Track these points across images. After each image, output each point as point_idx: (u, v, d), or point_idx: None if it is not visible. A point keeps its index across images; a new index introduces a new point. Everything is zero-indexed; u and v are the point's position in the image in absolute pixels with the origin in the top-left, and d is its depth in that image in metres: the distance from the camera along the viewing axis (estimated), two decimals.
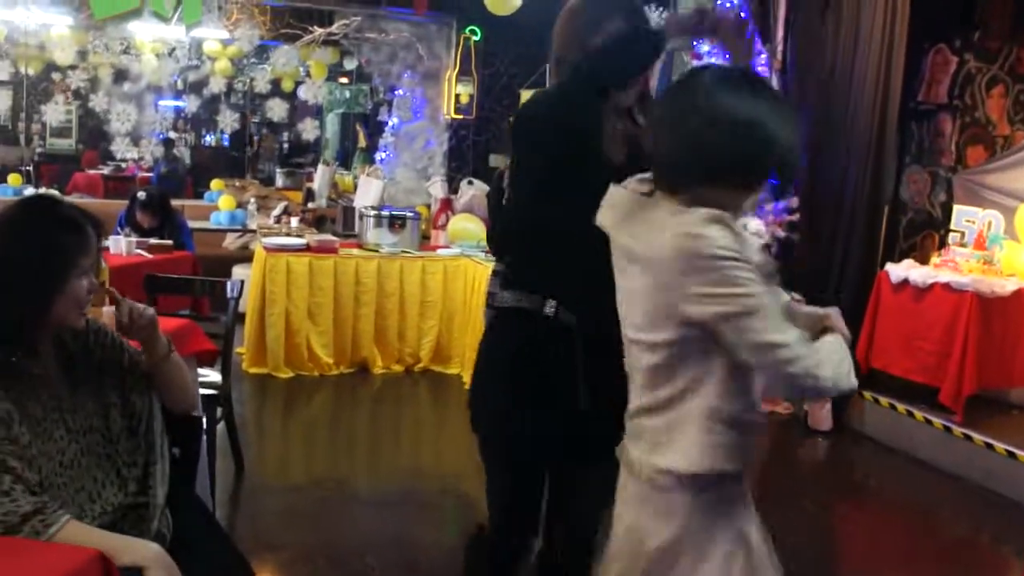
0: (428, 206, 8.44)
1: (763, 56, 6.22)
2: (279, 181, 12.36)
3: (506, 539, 2.49)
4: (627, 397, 1.87)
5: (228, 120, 11.76)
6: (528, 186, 2.28)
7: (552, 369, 2.21)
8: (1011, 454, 4.78)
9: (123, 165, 12.71)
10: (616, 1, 2.30)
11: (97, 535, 1.96)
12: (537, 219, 2.24)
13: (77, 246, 2.08)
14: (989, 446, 4.91)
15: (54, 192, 8.33)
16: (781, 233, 6.12)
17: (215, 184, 10.56)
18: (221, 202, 8.93)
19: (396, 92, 10.55)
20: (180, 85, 13.20)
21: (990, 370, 5.23)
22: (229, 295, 4.20)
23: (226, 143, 15.36)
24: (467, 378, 4.28)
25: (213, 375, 4.28)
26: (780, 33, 6.49)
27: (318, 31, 10.05)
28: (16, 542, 1.82)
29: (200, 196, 10.97)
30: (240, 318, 5.80)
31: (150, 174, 12.08)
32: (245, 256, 7.68)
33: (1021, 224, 5.76)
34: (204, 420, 3.49)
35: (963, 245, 5.73)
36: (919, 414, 5.35)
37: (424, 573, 3.65)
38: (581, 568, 2.23)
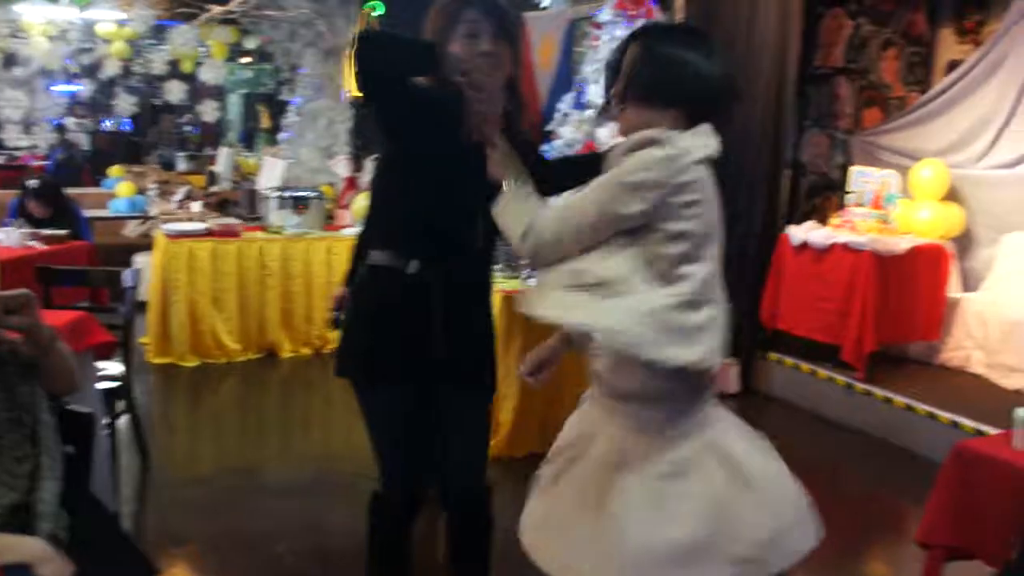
0: (332, 185, 8.33)
1: None
2: (180, 165, 12.07)
3: (396, 486, 2.64)
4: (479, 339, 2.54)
5: (126, 104, 11.43)
6: (389, 160, 2.52)
7: (411, 319, 2.47)
8: (909, 407, 4.92)
9: (16, 154, 12.27)
10: None
11: None
12: (392, 188, 2.50)
13: None
14: (888, 400, 5.05)
15: None
16: None
17: (114, 171, 10.25)
18: (119, 189, 8.68)
19: (300, 71, 10.37)
20: (74, 69, 12.76)
21: (889, 326, 5.38)
22: (126, 285, 4.09)
23: (126, 127, 14.92)
24: None
25: (115, 367, 4.17)
26: (679, 0, 6.53)
27: (215, 9, 9.82)
28: None
29: (99, 183, 10.65)
30: (143, 307, 5.68)
31: (45, 162, 11.68)
32: (147, 243, 7.49)
33: (915, 183, 5.91)
34: (99, 415, 3.41)
35: (860, 205, 5.86)
36: (822, 372, 5.48)
37: (337, 558, 3.61)
38: (471, 507, 2.67)
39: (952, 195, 5.93)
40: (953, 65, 6.54)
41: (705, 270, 2.02)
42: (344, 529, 3.82)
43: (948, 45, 6.75)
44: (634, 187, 1.97)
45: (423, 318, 2.46)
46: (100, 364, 3.96)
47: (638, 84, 2.09)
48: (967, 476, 2.81)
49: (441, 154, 2.35)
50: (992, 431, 4.35)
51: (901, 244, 5.38)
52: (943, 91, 6.22)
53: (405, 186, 2.44)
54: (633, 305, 1.96)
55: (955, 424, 4.65)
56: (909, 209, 5.80)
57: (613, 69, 2.16)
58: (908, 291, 5.41)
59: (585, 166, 2.78)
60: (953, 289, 5.72)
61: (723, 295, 2.11)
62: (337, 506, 4.04)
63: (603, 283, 1.99)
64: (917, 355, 5.79)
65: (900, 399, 4.99)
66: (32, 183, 5.92)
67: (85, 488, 2.45)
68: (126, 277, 4.11)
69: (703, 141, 2.05)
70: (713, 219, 2.06)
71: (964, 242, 5.95)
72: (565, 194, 2.27)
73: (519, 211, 2.12)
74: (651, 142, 2.02)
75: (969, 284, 5.90)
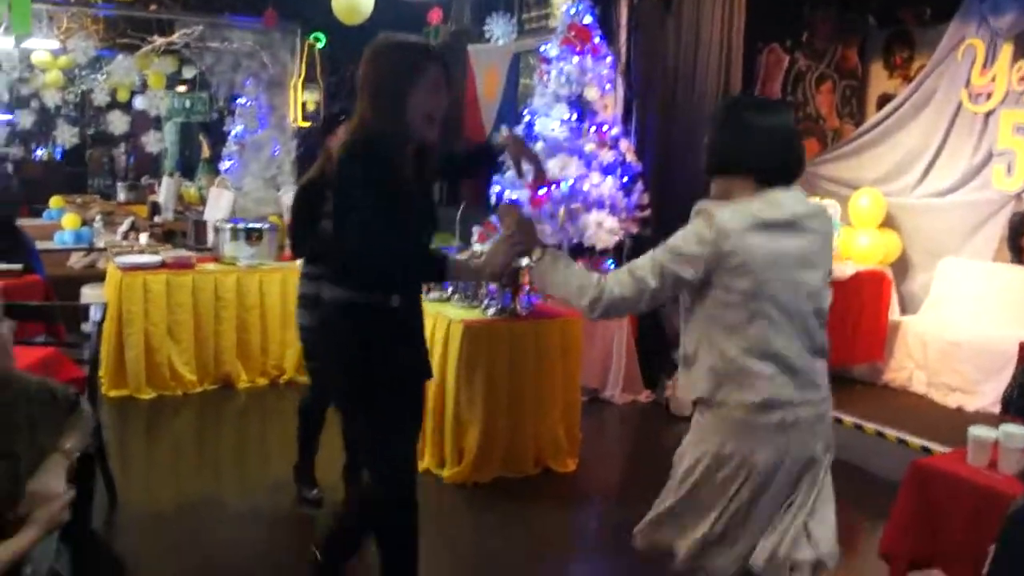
0: (280, 215, 8.34)
1: (608, 59, 6.42)
2: (121, 195, 11.94)
3: (407, 484, 2.87)
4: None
5: (66, 134, 11.28)
6: (365, 210, 2.63)
7: (398, 346, 2.80)
8: (859, 427, 5.11)
9: None
10: (416, 46, 2.75)
11: None
12: (376, 234, 2.63)
13: None
14: (839, 421, 5.23)
15: None
16: (634, 229, 6.34)
17: (54, 202, 10.07)
18: (65, 221, 8.54)
19: (238, 100, 10.36)
20: (8, 98, 12.56)
21: (834, 349, 5.53)
22: (92, 319, 4.08)
23: (58, 157, 14.66)
24: None
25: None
26: (623, 37, 6.73)
27: (158, 40, 9.77)
28: None
29: (37, 214, 10.48)
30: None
31: None
32: (93, 275, 7.42)
33: (854, 211, 6.16)
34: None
35: None
36: None
37: None
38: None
39: (889, 222, 6.19)
40: (885, 98, 6.84)
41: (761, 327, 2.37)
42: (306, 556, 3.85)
43: (879, 79, 7.06)
44: (683, 257, 2.36)
45: (413, 341, 2.90)
46: None
47: (713, 155, 2.43)
48: (926, 491, 2.97)
49: (414, 197, 2.74)
50: (938, 447, 4.56)
51: (845, 270, 5.60)
52: (877, 124, 6.50)
53: (389, 231, 2.62)
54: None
55: (903, 442, 4.84)
56: (850, 236, 6.03)
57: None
58: (852, 315, 5.63)
59: (476, 159, 3.29)
60: (893, 312, 5.96)
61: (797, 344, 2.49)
62: (299, 534, 4.07)
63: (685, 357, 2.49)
64: (862, 376, 6.00)
65: (849, 419, 5.17)
66: None
67: (86, 526, 2.49)
68: (93, 312, 4.10)
69: (756, 207, 2.33)
70: (767, 277, 2.34)
71: (901, 267, 6.21)
72: (639, 259, 2.50)
73: (575, 278, 2.43)
74: (698, 213, 2.40)
75: (907, 307, 6.16)
